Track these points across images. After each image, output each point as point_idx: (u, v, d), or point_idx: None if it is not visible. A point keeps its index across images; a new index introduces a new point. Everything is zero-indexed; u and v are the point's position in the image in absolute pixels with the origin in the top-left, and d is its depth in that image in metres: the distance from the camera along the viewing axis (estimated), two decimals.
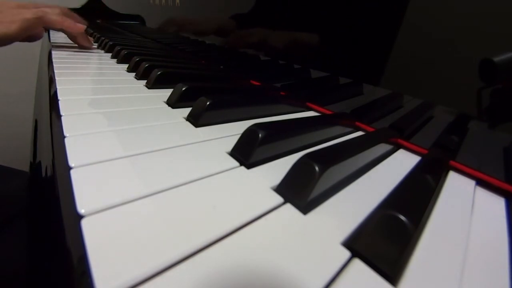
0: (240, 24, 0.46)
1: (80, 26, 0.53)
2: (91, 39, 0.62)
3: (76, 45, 0.57)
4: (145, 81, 0.35)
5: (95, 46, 0.60)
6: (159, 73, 0.34)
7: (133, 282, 0.09)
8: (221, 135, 0.22)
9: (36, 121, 0.26)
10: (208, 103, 0.24)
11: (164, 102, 0.29)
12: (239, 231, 0.12)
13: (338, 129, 0.27)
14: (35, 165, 0.19)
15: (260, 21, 0.42)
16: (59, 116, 0.21)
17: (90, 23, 0.66)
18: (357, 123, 0.30)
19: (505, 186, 0.20)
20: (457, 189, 0.20)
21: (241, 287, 0.10)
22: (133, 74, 0.39)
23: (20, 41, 0.45)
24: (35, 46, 0.62)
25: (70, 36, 0.54)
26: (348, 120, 0.29)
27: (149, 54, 0.50)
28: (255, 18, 0.42)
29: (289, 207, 0.14)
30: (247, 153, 0.18)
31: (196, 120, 0.24)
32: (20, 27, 0.42)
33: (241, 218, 0.13)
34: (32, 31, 0.46)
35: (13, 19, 0.42)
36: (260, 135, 0.18)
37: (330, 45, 0.33)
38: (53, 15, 0.48)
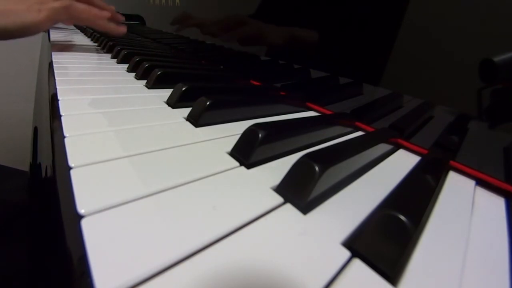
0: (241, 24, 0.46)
1: (105, 13, 0.51)
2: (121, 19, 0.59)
3: (104, 30, 0.53)
4: (145, 81, 0.35)
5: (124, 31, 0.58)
6: (159, 73, 0.34)
7: (133, 282, 0.09)
8: (221, 135, 0.22)
9: (36, 121, 0.26)
10: (208, 103, 0.24)
11: (164, 102, 0.29)
12: (239, 231, 0.12)
13: (338, 129, 0.27)
14: (35, 165, 0.19)
15: (260, 21, 0.42)
16: (59, 116, 0.21)
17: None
18: (357, 123, 0.30)
19: (505, 186, 0.20)
20: (457, 189, 0.20)
21: (241, 287, 0.10)
22: (133, 74, 0.39)
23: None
24: (35, 46, 0.62)
25: (99, 26, 0.52)
26: (348, 120, 0.29)
27: (149, 54, 0.50)
28: (255, 17, 0.42)
29: (289, 207, 0.14)
30: (247, 153, 0.18)
31: (196, 120, 0.24)
32: (47, 16, 0.42)
33: (241, 218, 0.13)
34: (59, 21, 0.45)
35: (41, 8, 0.42)
36: (260, 135, 0.18)
37: (330, 45, 0.33)
38: (80, 5, 0.47)
